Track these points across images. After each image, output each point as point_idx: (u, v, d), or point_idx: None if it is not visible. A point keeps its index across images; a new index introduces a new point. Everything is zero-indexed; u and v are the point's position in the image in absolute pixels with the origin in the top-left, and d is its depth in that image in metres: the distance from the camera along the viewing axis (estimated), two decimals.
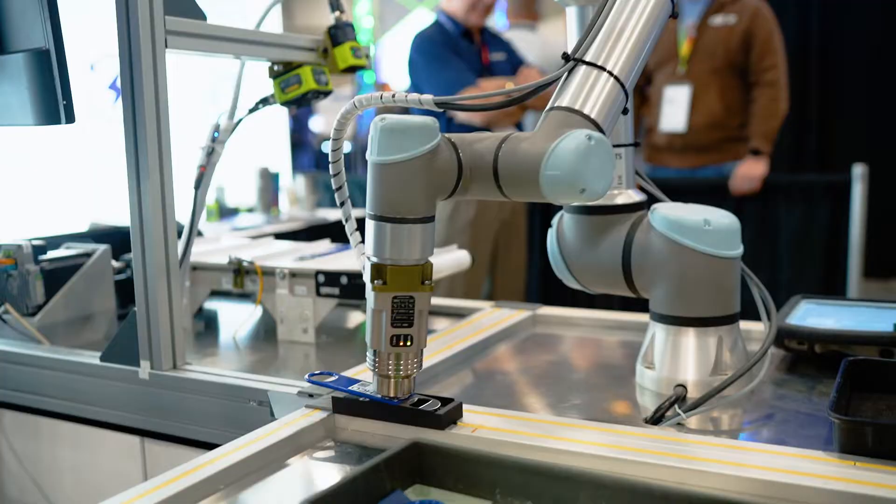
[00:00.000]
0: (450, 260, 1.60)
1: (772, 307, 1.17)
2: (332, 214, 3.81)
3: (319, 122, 9.80)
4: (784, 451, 0.88)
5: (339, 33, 1.51)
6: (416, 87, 3.53)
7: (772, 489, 0.81)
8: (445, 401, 1.01)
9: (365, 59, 1.55)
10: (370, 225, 0.94)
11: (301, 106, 1.52)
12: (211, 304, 1.84)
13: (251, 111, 1.51)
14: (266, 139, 4.23)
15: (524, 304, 1.62)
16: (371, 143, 0.93)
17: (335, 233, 3.55)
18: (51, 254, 1.53)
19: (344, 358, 1.42)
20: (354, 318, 1.71)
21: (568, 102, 0.98)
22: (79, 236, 1.71)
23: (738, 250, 1.15)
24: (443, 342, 1.37)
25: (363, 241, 1.01)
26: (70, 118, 1.12)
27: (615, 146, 1.20)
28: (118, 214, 2.92)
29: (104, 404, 1.31)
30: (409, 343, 0.96)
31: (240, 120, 1.50)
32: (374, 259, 0.95)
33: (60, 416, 1.37)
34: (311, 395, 1.09)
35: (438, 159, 0.93)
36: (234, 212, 3.61)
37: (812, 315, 1.35)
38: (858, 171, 3.14)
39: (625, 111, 1.03)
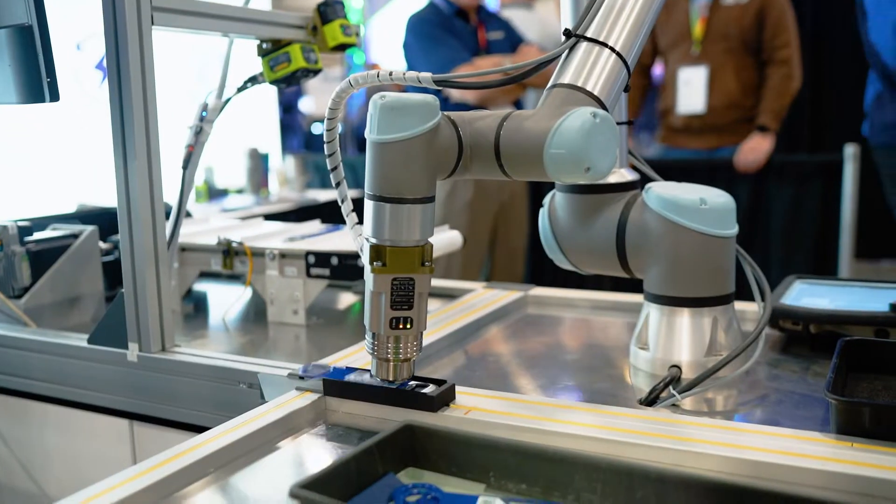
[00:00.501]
0: (441, 240, 1.59)
1: (766, 287, 1.16)
2: (322, 195, 3.78)
3: (309, 103, 9.75)
4: (780, 433, 0.87)
5: (329, 11, 1.49)
6: (411, 68, 3.48)
7: (768, 471, 0.81)
8: (438, 382, 0.99)
9: (355, 37, 1.52)
10: (369, 205, 0.93)
11: (290, 85, 1.50)
12: (200, 286, 1.82)
13: (240, 90, 1.48)
14: (255, 119, 4.20)
15: (516, 284, 1.61)
16: (370, 122, 0.91)
17: (325, 213, 3.53)
18: (37, 235, 1.51)
19: (335, 340, 1.41)
20: (345, 299, 1.70)
21: (570, 79, 0.97)
22: (66, 217, 1.69)
23: (734, 229, 1.14)
24: (434, 323, 1.36)
25: (359, 223, 0.99)
26: (54, 96, 1.09)
27: None
28: (106, 195, 2.89)
29: (92, 387, 1.30)
30: (408, 326, 0.95)
31: (228, 99, 1.47)
32: (373, 240, 0.93)
33: (48, 399, 1.36)
34: (301, 377, 1.08)
35: (439, 138, 0.92)
36: (223, 193, 3.58)
37: (806, 295, 1.34)
38: (850, 151, 3.13)
39: (626, 89, 1.01)
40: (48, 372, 1.34)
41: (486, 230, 3.54)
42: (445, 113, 0.93)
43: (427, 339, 1.27)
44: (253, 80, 1.49)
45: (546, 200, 1.26)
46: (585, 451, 0.83)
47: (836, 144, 3.48)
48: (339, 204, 1.05)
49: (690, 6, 3.97)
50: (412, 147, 0.90)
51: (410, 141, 0.89)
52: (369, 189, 0.92)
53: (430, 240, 0.95)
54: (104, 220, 1.69)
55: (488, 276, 3.82)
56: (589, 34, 1.00)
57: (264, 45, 1.45)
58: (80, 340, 1.31)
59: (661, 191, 1.14)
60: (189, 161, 1.41)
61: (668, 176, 1.24)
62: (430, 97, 0.91)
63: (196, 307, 1.65)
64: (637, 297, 1.49)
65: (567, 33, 1.00)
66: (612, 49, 0.98)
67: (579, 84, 0.96)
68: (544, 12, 4.66)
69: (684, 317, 1.14)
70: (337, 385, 1.01)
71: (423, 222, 0.93)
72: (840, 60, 5.40)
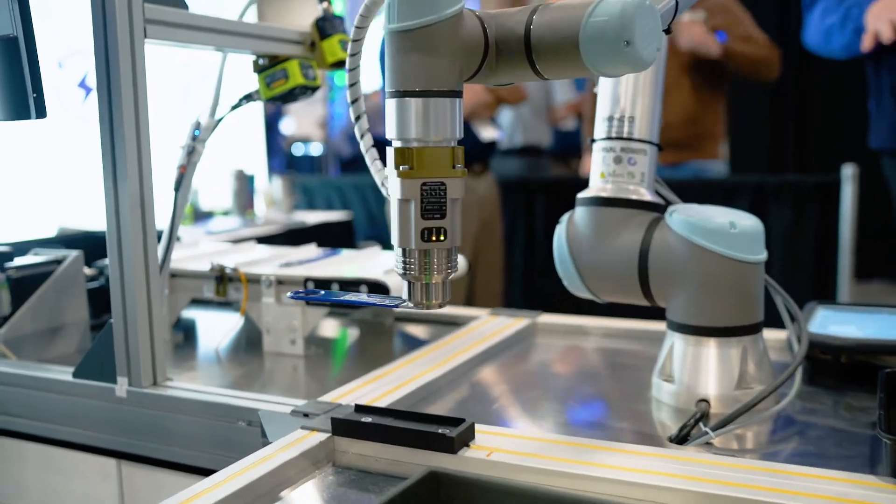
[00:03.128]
0: None
1: (799, 316, 1.10)
2: (311, 217, 3.70)
3: (289, 124, 9.68)
4: (831, 476, 0.80)
5: (328, 25, 1.42)
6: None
7: None
8: (455, 421, 0.92)
9: None
10: (391, 104, 0.83)
11: (287, 102, 1.43)
12: (187, 313, 1.73)
13: (234, 108, 1.41)
14: (240, 139, 4.11)
15: (523, 311, 1.54)
16: (388, 11, 0.81)
17: (313, 236, 3.45)
18: (18, 261, 1.42)
19: (336, 372, 1.33)
20: (345, 328, 1.62)
21: None
22: (48, 241, 1.61)
23: (763, 255, 1.08)
24: (441, 354, 1.28)
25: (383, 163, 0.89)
26: (41, 113, 1.02)
27: (640, 141, 1.13)
28: (87, 218, 2.79)
29: (77, 424, 1.21)
30: (442, 238, 0.83)
31: (221, 118, 1.40)
32: (398, 143, 0.83)
33: (29, 437, 1.27)
34: (306, 415, 1.00)
35: (465, 26, 0.82)
36: (208, 215, 3.49)
37: (832, 322, 1.28)
38: (849, 171, 3.10)
39: (667, 30, 0.88)
40: (29, 408, 1.25)
41: (468, 250, 3.49)
42: (468, 9, 0.83)
43: (435, 371, 1.20)
44: (248, 97, 1.42)
45: (563, 218, 1.19)
46: (627, 501, 0.76)
47: (825, 165, 3.44)
48: (364, 152, 0.94)
49: None
50: (438, 33, 0.80)
51: (436, 26, 0.79)
52: (391, 86, 0.82)
53: None
54: (89, 244, 1.61)
55: (468, 298, 3.76)
56: None
57: (260, 61, 1.38)
58: (64, 374, 1.23)
59: (687, 214, 1.08)
60: (181, 182, 1.34)
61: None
62: None
63: (185, 336, 1.57)
64: (649, 325, 1.43)
65: None
66: None
67: None
68: None
69: (711, 347, 1.08)
70: (347, 424, 0.94)
71: (454, 119, 0.82)
72: (828, 80, 5.40)
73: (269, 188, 3.87)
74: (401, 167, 0.82)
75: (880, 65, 2.36)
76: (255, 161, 4.17)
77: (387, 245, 1.64)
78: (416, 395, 1.13)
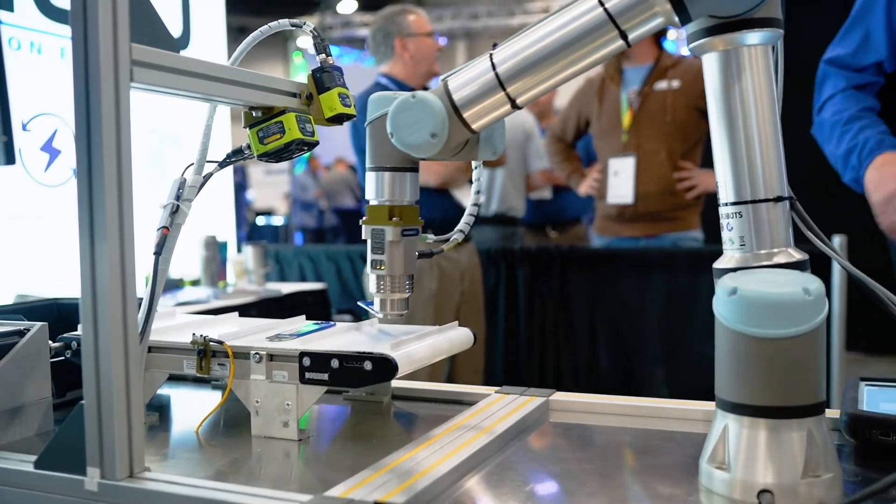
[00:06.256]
0: (454, 338, 1.39)
1: None
2: (285, 287, 3.55)
3: (252, 195, 9.54)
4: None
5: (326, 78, 1.32)
6: (361, 149, 3.38)
7: None
8: None
9: (353, 107, 1.35)
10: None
11: (281, 160, 1.31)
12: (159, 390, 1.57)
13: (222, 165, 1.29)
14: (208, 206, 3.96)
15: (535, 389, 1.41)
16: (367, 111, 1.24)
17: (289, 307, 3.30)
18: None
19: (337, 459, 1.18)
20: (346, 410, 1.46)
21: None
22: (7, 311, 1.45)
23: (812, 323, 0.95)
24: (453, 439, 1.14)
25: None
26: (10, 159, 0.88)
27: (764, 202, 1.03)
28: (43, 285, 2.62)
29: None
30: (382, 268, 1.23)
31: (209, 175, 1.27)
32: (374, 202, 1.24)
33: None
34: None
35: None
36: (177, 285, 3.31)
37: (882, 400, 1.17)
38: (837, 241, 3.04)
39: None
40: None
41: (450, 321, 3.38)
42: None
43: (451, 459, 1.06)
44: (237, 153, 1.30)
45: None
46: None
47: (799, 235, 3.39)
48: None
49: (621, 95, 3.99)
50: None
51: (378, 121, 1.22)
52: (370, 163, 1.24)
53: (444, 337, 1.35)
54: (51, 314, 1.46)
55: (450, 372, 3.62)
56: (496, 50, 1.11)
57: (254, 114, 1.27)
58: (24, 464, 1.07)
59: (723, 283, 0.98)
60: (164, 245, 1.20)
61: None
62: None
63: (159, 417, 1.40)
64: (672, 403, 1.31)
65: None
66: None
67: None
68: None
69: (769, 430, 0.96)
70: None
71: (391, 185, 1.22)
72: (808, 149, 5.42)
73: (241, 257, 3.71)
74: (362, 218, 1.24)
75: None
76: (225, 229, 4.02)
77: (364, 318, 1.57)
78: (436, 486, 0.99)
